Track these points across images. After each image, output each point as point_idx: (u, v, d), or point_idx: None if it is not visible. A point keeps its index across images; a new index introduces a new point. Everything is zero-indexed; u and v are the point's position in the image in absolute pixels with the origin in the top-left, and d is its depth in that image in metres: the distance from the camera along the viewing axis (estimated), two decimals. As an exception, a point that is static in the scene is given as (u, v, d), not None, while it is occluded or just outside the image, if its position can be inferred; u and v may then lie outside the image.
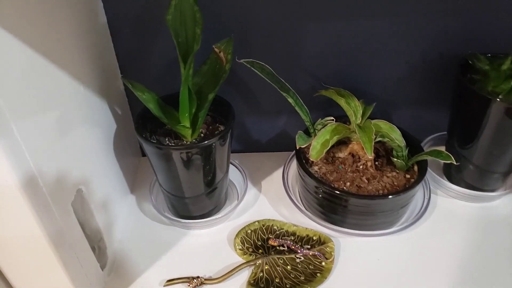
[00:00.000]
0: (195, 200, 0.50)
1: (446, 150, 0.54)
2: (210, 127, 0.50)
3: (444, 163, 0.56)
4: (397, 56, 0.52)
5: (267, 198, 0.55)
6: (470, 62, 0.48)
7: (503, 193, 0.52)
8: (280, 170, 0.58)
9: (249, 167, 0.58)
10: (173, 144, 0.46)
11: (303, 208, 0.51)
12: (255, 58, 0.46)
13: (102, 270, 0.44)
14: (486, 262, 0.46)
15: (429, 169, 0.54)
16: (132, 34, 0.50)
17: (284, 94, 0.47)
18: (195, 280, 0.44)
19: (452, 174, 0.54)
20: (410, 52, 0.52)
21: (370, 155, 0.44)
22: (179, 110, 0.45)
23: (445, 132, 0.56)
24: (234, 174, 0.56)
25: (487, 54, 0.49)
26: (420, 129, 0.58)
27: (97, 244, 0.46)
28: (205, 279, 0.45)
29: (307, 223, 0.51)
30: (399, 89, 0.55)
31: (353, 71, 0.53)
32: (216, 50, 0.44)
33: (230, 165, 0.57)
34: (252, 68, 0.45)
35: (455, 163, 0.44)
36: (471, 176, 0.52)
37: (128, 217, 0.53)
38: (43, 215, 0.33)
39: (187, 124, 0.46)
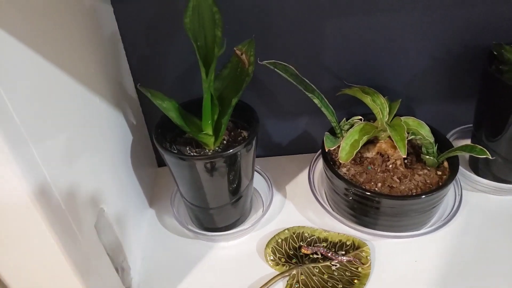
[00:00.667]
0: (220, 210, 0.48)
1: (472, 143, 0.53)
2: (232, 133, 0.48)
3: (470, 156, 0.55)
4: (420, 50, 0.50)
5: (293, 203, 0.53)
6: (495, 53, 0.47)
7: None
8: (304, 173, 0.56)
9: (272, 172, 0.56)
10: (196, 154, 0.44)
11: (332, 212, 0.49)
12: (275, 59, 0.44)
13: (129, 292, 0.42)
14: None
15: (461, 167, 0.53)
16: (145, 41, 0.48)
17: (310, 95, 0.45)
18: (229, 296, 0.42)
19: (479, 168, 0.53)
20: (433, 46, 0.50)
21: (404, 154, 0.42)
22: (202, 117, 0.43)
23: (469, 125, 0.54)
24: (256, 181, 0.54)
25: (511, 44, 0.47)
26: (443, 123, 0.57)
27: (120, 265, 0.44)
28: (240, 294, 0.43)
29: (338, 227, 0.49)
30: (423, 84, 0.54)
31: (375, 67, 0.52)
32: (238, 52, 0.42)
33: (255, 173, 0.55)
34: (275, 70, 0.43)
35: (490, 157, 0.42)
36: (499, 168, 0.51)
37: (149, 233, 0.50)
38: (66, 241, 0.30)
39: (210, 132, 0.44)
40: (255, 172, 0.55)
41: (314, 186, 0.51)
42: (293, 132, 0.57)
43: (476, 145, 0.44)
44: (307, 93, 0.45)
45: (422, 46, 0.50)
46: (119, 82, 0.46)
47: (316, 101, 0.46)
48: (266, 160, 0.59)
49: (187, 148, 0.46)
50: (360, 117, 0.47)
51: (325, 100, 0.47)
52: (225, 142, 0.46)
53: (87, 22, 0.39)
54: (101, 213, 0.39)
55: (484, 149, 0.43)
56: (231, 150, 0.41)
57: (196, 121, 0.45)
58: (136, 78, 0.50)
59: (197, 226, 0.50)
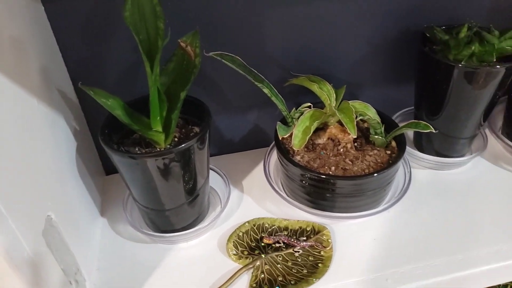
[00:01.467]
0: (176, 211, 0.46)
1: (415, 123, 0.55)
2: (183, 130, 0.46)
3: (414, 135, 0.58)
4: (358, 37, 0.53)
5: (251, 197, 0.52)
6: (428, 35, 0.50)
7: (471, 157, 0.54)
8: (259, 167, 0.56)
9: (227, 169, 0.55)
10: (147, 152, 0.42)
11: (290, 200, 0.49)
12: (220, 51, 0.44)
13: (85, 305, 0.39)
14: (472, 223, 0.47)
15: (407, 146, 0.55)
16: (82, 40, 0.45)
17: (259, 85, 0.45)
18: (193, 296, 0.41)
19: (423, 145, 0.56)
20: (370, 32, 0.52)
21: (354, 135, 0.44)
22: (151, 114, 0.41)
23: (412, 107, 0.57)
24: (213, 179, 0.53)
25: (441, 27, 0.51)
26: (387, 107, 0.59)
27: (73, 278, 0.41)
28: (205, 293, 0.41)
29: (296, 214, 0.49)
30: (364, 70, 0.56)
31: (318, 56, 0.53)
32: (183, 44, 0.41)
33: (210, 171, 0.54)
34: (223, 61, 0.43)
35: (434, 131, 0.45)
36: (441, 144, 0.54)
37: (103, 242, 0.47)
38: (11, 251, 0.27)
39: (160, 129, 0.42)
40: (211, 171, 0.54)
41: (271, 177, 0.51)
42: (244, 128, 0.57)
43: (420, 121, 0.46)
44: (256, 83, 0.45)
45: (360, 33, 0.52)
46: (57, 86, 0.43)
47: (266, 90, 0.46)
48: (220, 158, 0.58)
49: (136, 149, 0.44)
50: (309, 105, 0.48)
51: (275, 89, 0.47)
52: (176, 139, 0.45)
53: (19, 24, 0.36)
54: (49, 220, 0.36)
55: (427, 124, 0.46)
56: (183, 145, 0.40)
57: (144, 119, 0.43)
58: (76, 81, 0.48)
59: (153, 230, 0.48)
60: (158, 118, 0.42)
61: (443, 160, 0.54)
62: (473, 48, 0.46)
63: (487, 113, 0.51)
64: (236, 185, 0.54)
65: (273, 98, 0.47)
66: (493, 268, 0.43)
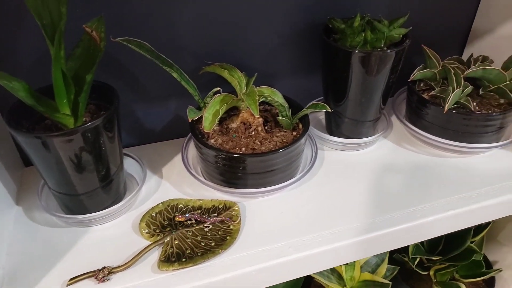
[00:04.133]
0: (90, 196, 0.47)
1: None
2: (95, 115, 0.48)
3: (326, 121, 0.62)
4: (269, 28, 0.56)
5: (169, 182, 0.54)
6: (330, 25, 0.55)
7: (374, 137, 0.58)
8: (180, 155, 0.58)
9: (148, 157, 0.57)
10: (52, 131, 0.43)
11: (205, 181, 0.51)
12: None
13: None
14: (376, 197, 0.52)
15: (314, 128, 0.60)
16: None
17: (167, 69, 0.48)
18: (101, 272, 0.42)
19: (333, 130, 0.60)
20: (279, 23, 0.56)
21: (257, 115, 0.47)
22: (55, 96, 0.42)
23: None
24: (133, 167, 0.55)
25: (343, 18, 0.56)
26: (301, 96, 0.63)
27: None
28: (113, 268, 0.42)
29: (214, 195, 0.52)
30: (276, 60, 0.60)
31: (232, 46, 0.56)
32: (88, 29, 0.43)
33: (128, 158, 0.56)
34: (129, 46, 0.45)
35: (329, 110, 0.49)
36: (348, 128, 0.58)
37: (16, 229, 0.47)
38: None
39: (67, 112, 0.43)
40: (130, 159, 0.55)
41: (189, 164, 0.53)
42: (165, 117, 0.59)
43: (318, 102, 0.50)
44: (164, 67, 0.47)
45: (270, 24, 0.56)
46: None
47: (175, 75, 0.48)
48: (142, 147, 0.60)
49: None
50: (218, 89, 0.51)
51: (185, 75, 0.50)
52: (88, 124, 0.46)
53: None
54: None
55: (325, 104, 0.50)
56: (88, 124, 0.42)
57: (51, 103, 0.44)
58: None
59: (68, 215, 0.48)
60: (65, 101, 0.43)
61: (349, 141, 0.58)
62: (364, 35, 0.51)
63: (385, 96, 0.56)
64: (155, 172, 0.56)
65: (183, 83, 0.49)
66: (387, 233, 0.47)
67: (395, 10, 0.61)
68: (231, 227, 0.47)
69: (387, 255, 0.68)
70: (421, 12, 0.63)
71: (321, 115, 0.65)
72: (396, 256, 0.69)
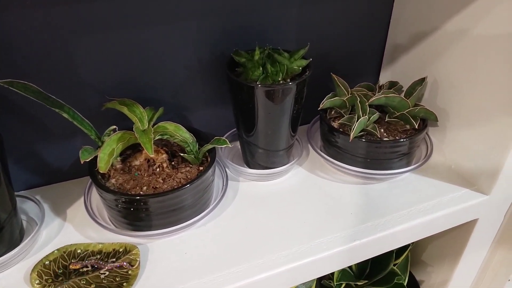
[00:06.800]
0: (-22, 245, 0.44)
1: (239, 141, 0.59)
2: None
3: (242, 152, 0.62)
4: (176, 61, 0.56)
5: (73, 225, 0.52)
6: (235, 59, 0.55)
7: (288, 167, 0.59)
8: (86, 195, 0.56)
9: (53, 198, 0.54)
10: None
11: (107, 225, 0.49)
12: (29, 81, 0.44)
13: None
14: (289, 225, 0.51)
15: (231, 162, 0.59)
16: None
17: (57, 110, 0.46)
18: (-21, 332, 0.39)
19: (249, 160, 0.60)
20: (186, 56, 0.56)
21: (151, 154, 0.46)
22: None
23: (237, 127, 0.61)
24: (34, 210, 0.52)
25: (247, 51, 0.56)
26: (219, 127, 0.63)
27: None
28: (-7, 327, 0.40)
29: (118, 238, 0.50)
30: (188, 93, 0.59)
31: (140, 81, 0.55)
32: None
33: (28, 200, 0.53)
34: (12, 89, 0.43)
35: (229, 145, 0.48)
36: (262, 158, 0.58)
37: None
38: None
39: None
40: (31, 202, 0.53)
41: (91, 206, 0.51)
42: (71, 155, 0.57)
43: (220, 137, 0.50)
44: (54, 109, 0.46)
45: (177, 57, 0.55)
46: None
47: (66, 115, 0.47)
48: (49, 187, 0.57)
49: None
50: (114, 127, 0.50)
51: (78, 114, 0.48)
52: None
53: None
54: None
55: (225, 139, 0.50)
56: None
57: None
58: None
59: (-46, 268, 0.45)
60: None
61: (261, 172, 0.58)
62: (265, 68, 0.51)
63: (294, 125, 0.56)
64: (58, 214, 0.53)
65: (76, 123, 0.48)
66: (290, 268, 0.47)
67: (303, 40, 0.62)
68: (129, 272, 0.45)
69: (315, 282, 0.67)
70: (335, 39, 0.65)
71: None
72: (324, 283, 0.69)
